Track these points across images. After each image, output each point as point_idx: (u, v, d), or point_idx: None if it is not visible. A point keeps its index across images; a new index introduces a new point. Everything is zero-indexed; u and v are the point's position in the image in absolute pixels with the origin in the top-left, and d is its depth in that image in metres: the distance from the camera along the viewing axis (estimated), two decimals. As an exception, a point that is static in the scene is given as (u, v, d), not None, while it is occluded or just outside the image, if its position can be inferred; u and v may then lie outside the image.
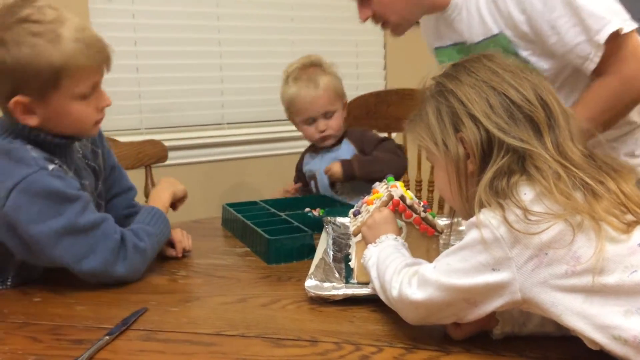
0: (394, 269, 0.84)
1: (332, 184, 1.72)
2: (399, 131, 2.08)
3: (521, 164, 0.77)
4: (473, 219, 0.76)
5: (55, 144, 1.10)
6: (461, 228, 1.35)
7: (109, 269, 1.08)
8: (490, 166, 0.78)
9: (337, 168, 1.65)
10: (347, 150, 1.74)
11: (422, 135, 0.87)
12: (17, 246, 1.07)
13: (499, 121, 0.79)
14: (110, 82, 1.17)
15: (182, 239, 1.29)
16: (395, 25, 1.44)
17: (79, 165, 1.19)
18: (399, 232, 0.99)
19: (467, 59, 0.88)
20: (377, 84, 2.71)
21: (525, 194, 0.74)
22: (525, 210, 0.72)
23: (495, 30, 1.34)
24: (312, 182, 1.80)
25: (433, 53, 1.57)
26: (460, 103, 0.82)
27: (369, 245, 0.96)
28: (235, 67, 2.41)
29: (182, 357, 0.82)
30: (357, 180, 1.66)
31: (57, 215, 1.03)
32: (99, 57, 1.06)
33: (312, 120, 1.71)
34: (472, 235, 0.75)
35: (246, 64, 2.42)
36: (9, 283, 1.14)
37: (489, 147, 0.79)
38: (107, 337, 0.87)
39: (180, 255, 1.27)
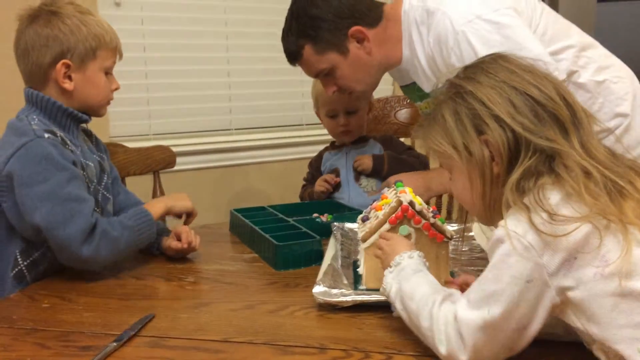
0: (428, 313, 0.77)
1: (358, 177, 1.72)
2: (406, 137, 2.08)
3: (548, 164, 0.75)
4: (498, 235, 0.73)
5: (70, 114, 1.23)
6: (471, 233, 1.36)
7: (73, 247, 1.12)
8: (517, 167, 0.75)
9: (367, 160, 1.69)
10: (372, 148, 1.77)
11: (438, 140, 0.83)
12: (10, 209, 1.16)
13: (524, 121, 0.76)
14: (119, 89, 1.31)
15: (189, 233, 1.30)
16: (361, 93, 1.55)
17: (84, 149, 1.29)
18: (411, 245, 0.96)
19: (482, 60, 0.85)
20: (385, 89, 2.70)
21: (551, 196, 0.72)
22: (552, 213, 0.70)
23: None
24: (333, 176, 1.78)
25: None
26: (482, 104, 0.78)
27: (385, 272, 0.90)
28: (243, 73, 2.42)
29: (190, 364, 0.82)
30: (382, 177, 1.67)
31: (44, 181, 1.12)
32: (120, 45, 1.29)
33: (334, 114, 1.74)
34: (499, 251, 0.72)
35: (254, 69, 2.42)
36: (23, 268, 1.19)
37: (516, 149, 0.76)
38: (114, 344, 0.87)
39: (185, 245, 1.27)
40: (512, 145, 0.76)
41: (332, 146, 1.85)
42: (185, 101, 2.31)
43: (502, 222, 0.74)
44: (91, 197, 1.18)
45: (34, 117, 1.20)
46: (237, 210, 1.53)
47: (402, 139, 2.09)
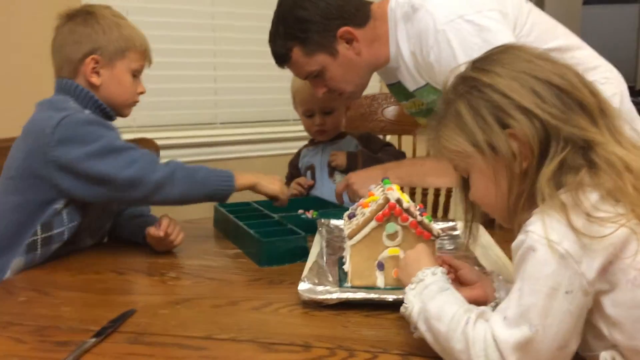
0: (461, 334, 0.70)
1: (332, 173, 1.73)
2: (393, 134, 2.07)
3: (582, 155, 0.69)
4: (528, 243, 0.67)
5: (99, 106, 1.28)
6: (456, 232, 1.35)
7: (146, 176, 1.20)
8: (550, 160, 0.70)
9: (342, 157, 1.70)
10: (349, 144, 1.76)
11: (453, 138, 0.76)
12: (68, 180, 1.19)
13: (553, 110, 0.70)
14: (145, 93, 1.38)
15: (171, 223, 1.28)
16: (350, 93, 1.53)
17: None
18: (434, 263, 0.86)
19: (494, 51, 0.80)
20: (372, 87, 2.69)
21: (591, 194, 0.67)
22: (590, 215, 0.65)
23: (422, 82, 1.42)
24: (309, 173, 1.79)
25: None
26: (504, 96, 0.72)
27: (406, 289, 0.81)
28: (230, 67, 2.38)
29: (171, 361, 0.80)
30: None
31: (98, 139, 1.19)
32: (149, 50, 1.37)
33: (311, 114, 1.73)
34: (532, 260, 0.66)
35: (241, 63, 2.39)
36: (38, 240, 1.21)
37: (546, 140, 0.70)
38: (93, 340, 0.84)
39: (162, 234, 1.25)
40: (542, 137, 0.70)
41: (310, 142, 1.86)
42: (170, 94, 2.27)
43: (532, 228, 0.67)
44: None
45: (71, 103, 1.26)
46: (222, 206, 1.51)
47: (388, 137, 2.09)
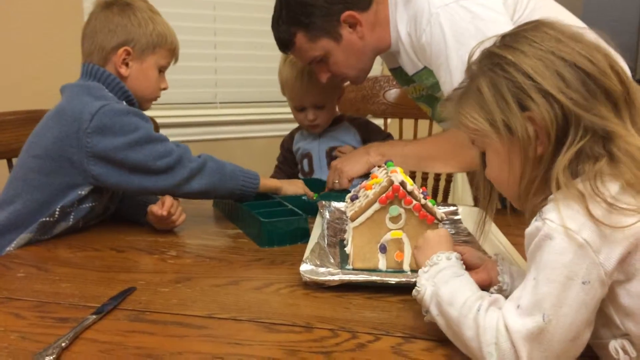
0: (473, 321, 0.69)
1: (331, 162, 1.69)
2: (394, 117, 2.06)
3: (602, 145, 0.68)
4: (544, 231, 0.65)
5: (128, 96, 1.30)
6: (458, 217, 1.35)
7: (181, 165, 1.22)
8: (567, 147, 0.68)
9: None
10: (346, 132, 1.72)
11: (472, 115, 0.74)
12: (101, 168, 1.20)
13: (575, 96, 0.68)
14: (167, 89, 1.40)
15: (173, 203, 1.27)
16: (354, 78, 1.52)
17: None
18: (451, 244, 0.86)
19: (524, 27, 0.76)
20: (374, 69, 2.67)
21: (610, 185, 0.66)
22: (611, 204, 0.63)
23: (420, 66, 1.41)
24: (306, 161, 1.75)
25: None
26: (527, 77, 0.69)
27: (419, 271, 0.81)
28: (230, 46, 2.36)
29: (173, 340, 0.79)
30: None
31: (136, 130, 1.21)
32: (178, 48, 1.39)
33: (302, 108, 1.68)
34: (548, 249, 0.65)
35: (242, 42, 2.37)
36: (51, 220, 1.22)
37: (564, 127, 0.68)
38: (93, 316, 0.84)
39: (164, 213, 1.24)
40: (560, 123, 0.68)
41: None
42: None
43: (549, 215, 0.66)
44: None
45: (104, 89, 1.27)
46: (221, 185, 1.49)
47: (389, 120, 2.08)
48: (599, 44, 0.73)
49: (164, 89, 1.39)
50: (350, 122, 1.75)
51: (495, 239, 1.12)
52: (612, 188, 0.65)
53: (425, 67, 1.41)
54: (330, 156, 1.69)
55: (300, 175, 1.79)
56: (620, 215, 0.63)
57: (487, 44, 0.78)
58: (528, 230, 0.68)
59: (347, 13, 1.38)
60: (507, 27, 1.27)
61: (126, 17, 1.29)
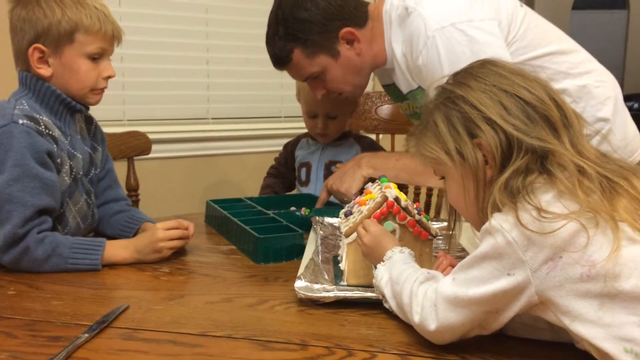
0: (409, 290, 0.82)
1: (328, 175, 1.68)
2: (386, 133, 2.07)
3: (540, 163, 0.76)
4: (485, 226, 0.74)
5: (62, 100, 1.18)
6: (450, 232, 1.35)
7: (3, 253, 1.09)
8: (508, 168, 0.76)
9: None
10: (349, 149, 1.72)
11: (430, 146, 0.83)
12: None
13: (516, 122, 0.77)
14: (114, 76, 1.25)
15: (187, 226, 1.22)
16: (350, 94, 1.52)
17: (76, 138, 1.25)
18: (396, 240, 0.97)
19: (471, 65, 0.86)
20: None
21: (542, 195, 0.73)
22: (540, 210, 0.70)
23: (414, 85, 1.42)
24: (304, 170, 1.75)
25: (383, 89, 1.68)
26: (474, 108, 0.79)
27: (378, 265, 0.93)
28: (223, 62, 2.37)
29: (166, 358, 0.78)
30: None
31: (0, 173, 1.09)
32: (112, 28, 1.19)
33: (314, 115, 1.69)
34: (485, 242, 0.74)
35: (234, 58, 2.38)
36: None
37: (508, 150, 0.77)
38: (86, 335, 0.83)
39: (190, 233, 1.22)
40: (504, 147, 0.77)
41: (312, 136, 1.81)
42: (162, 87, 2.25)
43: (494, 217, 0.74)
44: (37, 203, 1.10)
45: (24, 101, 1.16)
46: (214, 201, 1.49)
47: (381, 136, 2.09)
48: (538, 76, 0.82)
49: (109, 77, 1.22)
50: (356, 140, 1.75)
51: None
52: (544, 197, 0.72)
53: (419, 87, 1.42)
54: (329, 170, 1.70)
55: (297, 183, 1.79)
56: (546, 222, 0.70)
57: (442, 82, 0.87)
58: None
59: (345, 30, 1.39)
60: (501, 50, 1.29)
61: (30, 10, 1.13)
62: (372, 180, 1.31)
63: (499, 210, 0.75)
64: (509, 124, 0.77)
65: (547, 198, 0.72)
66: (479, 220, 0.80)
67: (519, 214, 0.71)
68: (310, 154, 1.76)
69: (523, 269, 0.71)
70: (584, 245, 0.69)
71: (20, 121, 1.11)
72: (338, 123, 1.70)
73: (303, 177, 1.75)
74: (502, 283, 0.72)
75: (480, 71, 0.83)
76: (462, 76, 0.84)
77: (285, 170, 1.82)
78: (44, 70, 1.16)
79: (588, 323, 0.69)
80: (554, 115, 0.78)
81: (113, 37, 1.20)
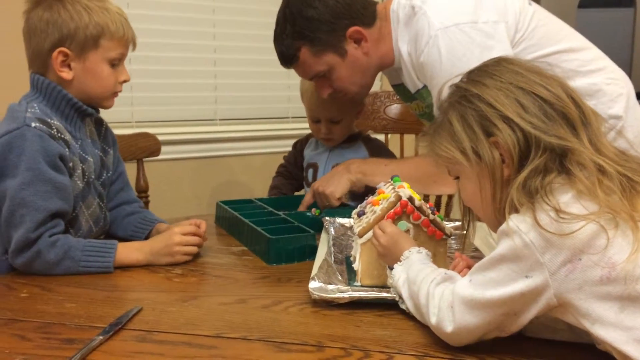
0: (426, 291, 0.81)
1: None
2: (395, 132, 2.06)
3: (559, 162, 0.74)
4: (503, 227, 0.73)
5: (74, 105, 1.18)
6: (463, 232, 1.34)
7: (11, 252, 1.10)
8: (526, 167, 0.75)
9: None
10: (357, 152, 1.68)
11: (444, 145, 0.82)
12: None
13: (534, 120, 0.76)
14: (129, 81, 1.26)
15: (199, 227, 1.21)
16: (356, 94, 1.52)
17: (86, 142, 1.25)
18: (412, 241, 0.96)
19: (486, 63, 0.85)
20: (373, 85, 2.67)
21: (561, 195, 0.72)
22: (559, 211, 0.69)
23: (420, 85, 1.42)
24: (311, 171, 1.73)
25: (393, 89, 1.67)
26: (490, 106, 0.78)
27: (395, 265, 0.93)
28: (230, 63, 2.36)
29: (182, 361, 0.78)
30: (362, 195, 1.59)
31: (13, 177, 1.09)
32: (131, 34, 1.22)
33: (317, 120, 1.67)
34: (503, 244, 0.73)
35: (241, 59, 2.37)
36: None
37: (526, 149, 0.76)
38: (100, 337, 0.82)
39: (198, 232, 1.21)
40: (522, 146, 0.76)
41: None
42: (170, 89, 2.25)
43: (511, 218, 0.73)
44: (50, 207, 1.10)
45: (35, 104, 1.16)
46: (224, 203, 1.49)
47: (389, 136, 2.08)
48: (555, 74, 0.81)
49: (125, 81, 1.24)
50: (364, 143, 1.71)
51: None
52: (562, 198, 0.71)
53: (425, 86, 1.41)
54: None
55: (304, 184, 1.78)
56: (565, 223, 0.69)
57: (456, 80, 0.85)
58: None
59: (353, 29, 1.38)
60: (502, 51, 1.28)
61: (55, 12, 1.13)
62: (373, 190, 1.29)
63: (516, 210, 0.74)
64: (527, 122, 0.75)
65: (565, 199, 0.71)
66: (496, 221, 0.79)
67: (537, 215, 0.70)
68: (318, 155, 1.74)
69: (541, 271, 0.70)
70: (604, 246, 0.68)
71: (33, 124, 1.11)
72: (342, 127, 1.66)
73: (310, 178, 1.74)
74: (520, 285, 0.71)
75: (495, 69, 0.82)
76: (477, 74, 0.83)
77: (294, 169, 1.81)
78: (66, 74, 1.16)
79: (609, 326, 0.68)
80: (572, 112, 0.76)
81: (131, 42, 1.23)
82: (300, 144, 1.81)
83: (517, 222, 0.72)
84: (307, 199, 1.51)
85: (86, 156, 1.23)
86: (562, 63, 1.38)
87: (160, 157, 1.86)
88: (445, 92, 0.87)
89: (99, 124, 1.33)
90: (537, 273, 0.70)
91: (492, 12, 1.33)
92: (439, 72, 1.29)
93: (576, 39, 1.46)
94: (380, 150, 1.73)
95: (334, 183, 1.45)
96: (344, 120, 1.65)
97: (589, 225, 0.68)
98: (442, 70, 1.27)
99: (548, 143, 0.74)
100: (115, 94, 1.24)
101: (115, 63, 1.20)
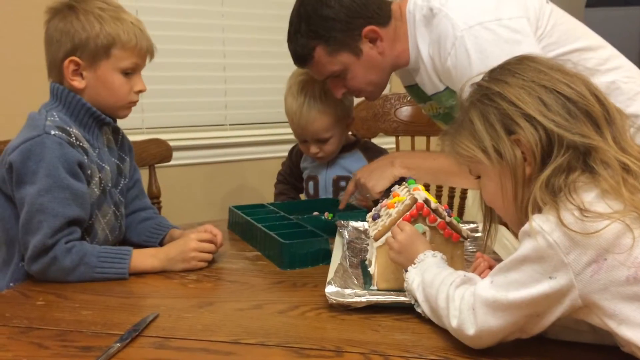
0: (445, 293, 0.80)
1: (337, 192, 1.65)
2: (406, 135, 2.05)
3: (582, 160, 0.73)
4: (525, 227, 0.73)
5: (92, 114, 1.19)
6: (478, 234, 1.33)
7: (26, 257, 1.10)
8: (549, 165, 0.74)
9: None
10: (356, 162, 1.65)
11: (465, 144, 0.81)
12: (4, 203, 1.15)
13: (556, 118, 0.75)
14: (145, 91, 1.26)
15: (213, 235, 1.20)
16: (370, 94, 1.50)
17: (104, 150, 1.25)
18: (428, 244, 0.96)
19: (508, 62, 0.84)
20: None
21: (585, 194, 0.71)
22: (583, 209, 0.68)
23: (441, 87, 1.40)
24: (311, 184, 1.72)
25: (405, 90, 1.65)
26: (511, 104, 0.77)
27: (409, 268, 0.92)
28: (240, 68, 2.36)
29: (201, 367, 0.78)
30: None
31: (32, 183, 1.10)
32: (147, 44, 1.21)
33: (304, 140, 1.64)
34: (525, 244, 0.72)
35: (251, 64, 2.37)
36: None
37: (548, 147, 0.75)
38: (117, 344, 0.82)
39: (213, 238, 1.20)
40: (544, 144, 0.75)
41: None
42: (180, 95, 2.25)
43: (534, 218, 0.72)
44: (68, 214, 1.10)
45: (54, 113, 1.17)
46: (237, 208, 1.48)
47: (400, 138, 2.07)
48: (578, 72, 0.80)
49: (141, 91, 1.23)
50: (363, 152, 1.68)
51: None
52: (587, 197, 0.70)
53: (447, 88, 1.39)
54: (337, 185, 1.65)
55: (305, 195, 1.76)
56: (590, 222, 0.68)
57: (477, 79, 0.84)
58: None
59: (368, 28, 1.37)
60: (532, 48, 1.26)
61: (68, 23, 1.14)
62: (400, 181, 1.29)
63: (539, 209, 0.73)
64: (549, 120, 0.75)
65: (589, 197, 0.70)
66: (518, 220, 0.79)
67: (561, 214, 0.69)
68: (317, 168, 1.70)
69: (566, 272, 0.69)
70: (630, 246, 0.67)
71: (52, 132, 1.12)
72: (332, 143, 1.62)
73: (311, 191, 1.71)
74: (544, 287, 0.70)
75: (517, 67, 0.81)
76: (499, 73, 0.82)
77: (292, 179, 1.80)
78: (78, 83, 1.17)
79: (636, 327, 0.67)
80: (595, 110, 0.75)
81: (147, 52, 1.22)
82: (295, 156, 1.78)
83: (540, 222, 0.71)
84: (350, 189, 1.48)
85: (103, 164, 1.23)
86: (580, 61, 1.36)
87: (171, 163, 1.86)
88: (467, 91, 0.86)
89: (116, 132, 1.34)
90: (562, 274, 0.69)
91: (514, 8, 1.32)
92: (469, 73, 1.24)
93: (592, 38, 1.45)
94: (380, 155, 1.69)
95: (376, 177, 1.42)
96: (332, 137, 1.61)
97: (614, 224, 0.67)
98: (473, 70, 1.24)
99: (571, 141, 0.74)
100: (131, 103, 1.23)
101: (129, 72, 1.20)
